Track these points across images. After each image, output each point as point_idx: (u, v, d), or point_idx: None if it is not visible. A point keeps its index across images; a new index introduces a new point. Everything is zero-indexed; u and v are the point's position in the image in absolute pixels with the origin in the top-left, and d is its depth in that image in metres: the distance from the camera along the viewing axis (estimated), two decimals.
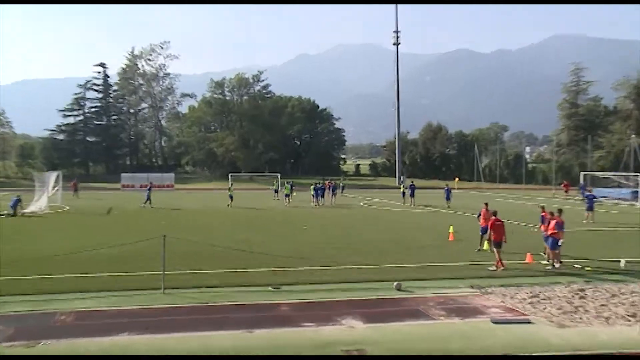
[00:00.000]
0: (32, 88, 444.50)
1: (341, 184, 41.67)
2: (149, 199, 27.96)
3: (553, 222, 11.74)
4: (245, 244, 14.39)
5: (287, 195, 30.19)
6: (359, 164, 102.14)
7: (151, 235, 12.77)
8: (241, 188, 35.90)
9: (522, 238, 15.68)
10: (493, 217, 12.05)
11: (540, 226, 13.12)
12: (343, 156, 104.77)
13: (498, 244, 11.68)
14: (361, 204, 32.39)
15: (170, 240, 10.04)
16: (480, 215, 14.01)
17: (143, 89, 77.73)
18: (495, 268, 11.33)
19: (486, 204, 13.94)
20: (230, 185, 29.50)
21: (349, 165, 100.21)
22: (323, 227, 19.16)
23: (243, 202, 28.90)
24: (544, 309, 8.34)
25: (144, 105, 79.74)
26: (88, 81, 74.18)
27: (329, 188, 33.11)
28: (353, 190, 45.54)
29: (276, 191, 35.01)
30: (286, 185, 31.51)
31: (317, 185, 31.35)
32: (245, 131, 71.77)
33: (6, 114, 73.38)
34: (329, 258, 12.28)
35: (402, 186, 32.65)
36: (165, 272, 9.38)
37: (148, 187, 29.31)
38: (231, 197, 28.36)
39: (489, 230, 11.89)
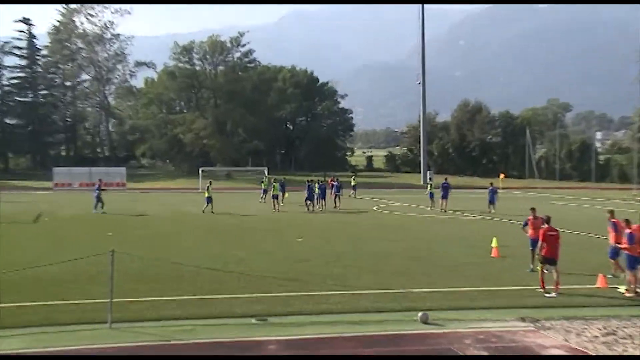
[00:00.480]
0: None
1: (352, 183, 41.75)
2: (100, 201, 28.13)
3: (627, 232, 11.75)
4: (220, 261, 14.48)
5: (275, 197, 30.31)
6: (371, 156, 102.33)
7: (95, 250, 12.89)
8: (216, 187, 35.90)
9: (592, 255, 15.84)
10: (545, 226, 12.09)
11: (612, 236, 13.11)
12: (350, 145, 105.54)
13: (550, 260, 11.72)
14: (374, 208, 32.61)
15: (120, 257, 9.98)
16: (526, 224, 14.14)
17: (83, 54, 77.16)
18: (554, 294, 11.36)
19: (533, 210, 14.02)
20: (208, 185, 29.63)
21: (358, 158, 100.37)
22: (324, 239, 19.25)
23: (219, 206, 29.19)
24: (624, 351, 8.28)
25: (84, 76, 79.59)
26: (6, 42, 72.96)
27: (332, 187, 33.35)
28: (364, 191, 45.67)
29: (265, 191, 35.41)
30: (274, 183, 31.75)
31: (320, 183, 31.64)
32: (221, 112, 71.73)
33: None
34: (332, 280, 12.31)
35: (429, 185, 32.79)
36: (114, 300, 9.37)
37: (97, 187, 29.35)
38: (209, 199, 28.59)
39: (539, 243, 11.96)
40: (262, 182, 36.97)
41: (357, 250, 16.90)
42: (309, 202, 29.72)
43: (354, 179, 42.52)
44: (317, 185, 31.28)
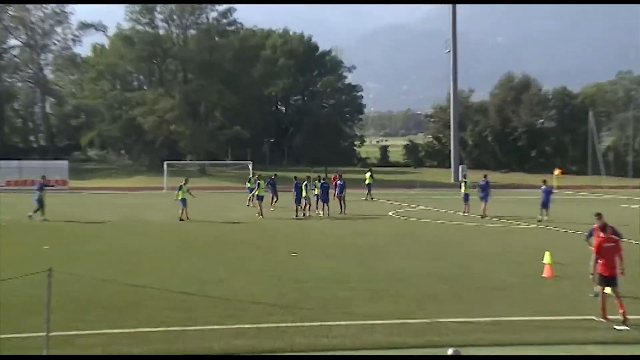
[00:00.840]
0: None
1: (368, 181, 41.96)
2: (41, 204, 28.23)
3: None
4: (194, 282, 14.57)
5: (259, 198, 30.59)
6: (387, 146, 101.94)
7: (26, 269, 12.69)
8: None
9: None
10: (601, 235, 12.12)
11: None
12: (360, 133, 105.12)
13: (608, 280, 11.72)
14: (391, 213, 32.69)
15: (61, 277, 10.00)
16: (591, 234, 14.31)
17: (10, 12, 76.67)
18: (626, 327, 11.34)
19: (599, 216, 13.35)
20: (182, 184, 29.63)
21: (370, 149, 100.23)
22: (326, 254, 19.36)
23: (191, 212, 29.29)
24: None
25: (13, 42, 79.49)
26: None
27: (336, 186, 33.51)
28: (378, 191, 45.53)
29: (252, 190, 35.70)
30: (259, 181, 31.93)
31: (322, 181, 31.90)
32: (193, 89, 71.61)
33: None
34: (336, 306, 12.37)
35: (463, 183, 32.79)
36: (52, 334, 9.35)
37: (39, 186, 29.40)
38: (183, 202, 28.86)
39: (592, 257, 12.05)
40: (250, 180, 37.29)
41: (368, 268, 16.93)
42: (298, 205, 30.15)
43: (369, 176, 42.51)
44: (317, 182, 31.46)
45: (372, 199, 40.65)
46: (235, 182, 53.62)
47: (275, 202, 34.40)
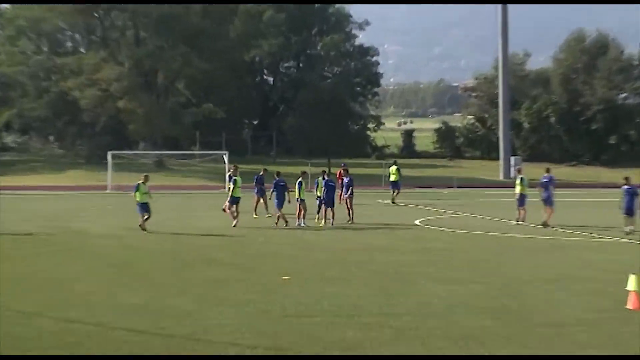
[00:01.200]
0: None
1: (392, 177, 42.54)
2: None
3: None
4: (148, 316, 14.47)
5: (234, 202, 30.91)
6: (412, 131, 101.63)
7: None
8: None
9: None
10: None
11: None
12: (376, 112, 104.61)
13: None
14: (418, 221, 32.95)
15: None
16: None
17: None
18: None
19: None
20: (140, 182, 29.71)
21: (389, 133, 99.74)
22: (328, 278, 19.20)
23: (148, 219, 29.51)
24: None
25: None
26: None
27: (342, 183, 33.87)
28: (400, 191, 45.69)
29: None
30: (237, 177, 32.09)
31: (326, 178, 32.19)
32: (148, 53, 71.68)
33: None
34: (342, 349, 12.32)
35: (519, 181, 32.67)
36: None
37: None
38: (145, 207, 29.05)
39: None
40: (229, 181, 37.10)
41: (387, 297, 16.80)
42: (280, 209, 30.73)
43: (396, 170, 42.94)
44: (321, 180, 31.65)
45: (393, 202, 41.01)
46: (205, 179, 53.45)
47: (258, 206, 34.61)
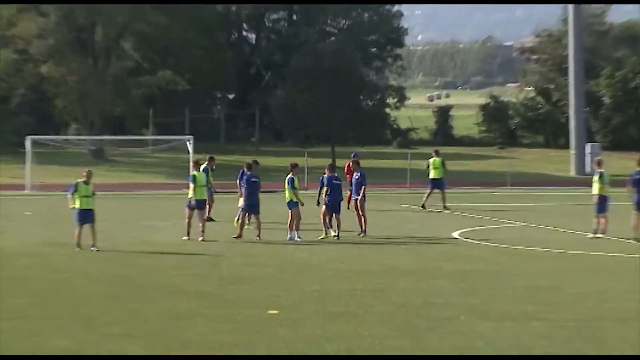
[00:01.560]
0: None
1: (431, 174, 43.56)
2: None
3: None
4: None
5: (198, 206, 31.39)
6: (448, 107, 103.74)
7: None
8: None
9: None
10: None
11: None
12: (397, 82, 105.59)
13: None
14: (456, 233, 33.03)
15: None
16: None
17: None
18: None
19: None
20: (82, 181, 29.28)
21: (417, 111, 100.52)
22: (333, 312, 18.25)
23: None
24: None
25: None
26: None
27: (352, 180, 34.30)
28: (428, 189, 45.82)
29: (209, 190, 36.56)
30: (195, 173, 33.15)
31: (330, 174, 32.77)
32: (92, 13, 72.33)
33: None
34: None
35: (598, 177, 32.76)
36: None
37: None
38: (88, 216, 28.76)
39: None
40: (206, 170, 37.26)
41: (414, 340, 15.42)
42: (254, 215, 31.14)
43: (439, 163, 44.29)
44: (326, 177, 31.13)
45: (445, 207, 41.68)
46: (162, 176, 53.69)
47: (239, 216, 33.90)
